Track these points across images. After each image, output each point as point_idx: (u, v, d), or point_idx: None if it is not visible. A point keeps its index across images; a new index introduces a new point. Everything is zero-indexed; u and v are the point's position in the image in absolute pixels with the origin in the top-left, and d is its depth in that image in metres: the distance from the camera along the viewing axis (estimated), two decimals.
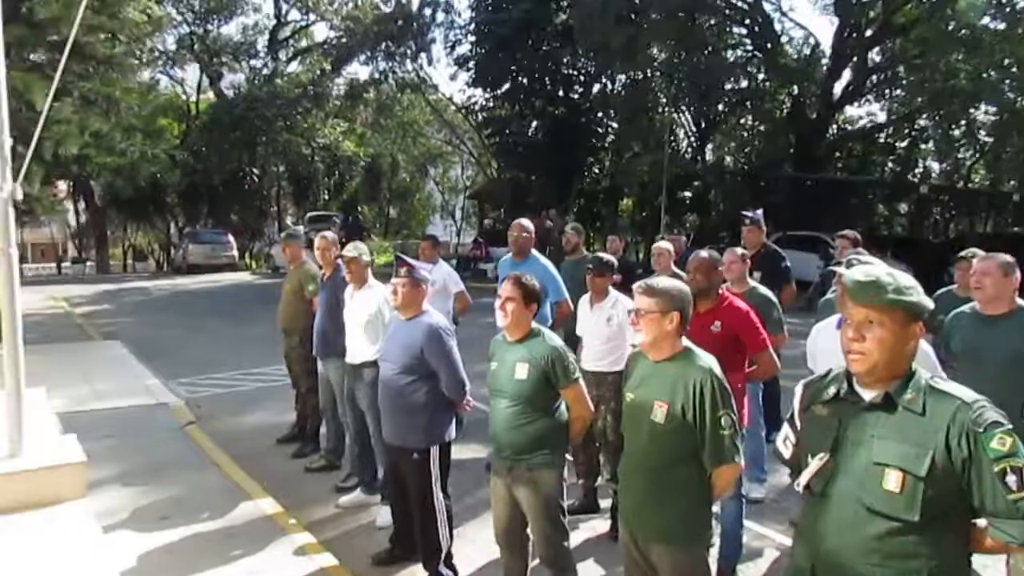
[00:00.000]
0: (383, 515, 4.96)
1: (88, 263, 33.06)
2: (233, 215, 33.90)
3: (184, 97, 35.11)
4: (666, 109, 25.78)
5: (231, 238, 28.83)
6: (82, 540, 3.84)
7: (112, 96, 11.87)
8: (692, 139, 28.84)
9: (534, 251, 6.17)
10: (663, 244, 6.67)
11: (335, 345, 5.53)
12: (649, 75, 25.56)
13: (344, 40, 29.55)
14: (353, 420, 5.49)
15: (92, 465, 5.93)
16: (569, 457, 3.91)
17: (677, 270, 6.17)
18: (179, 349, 11.59)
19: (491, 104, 28.40)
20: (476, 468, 5.69)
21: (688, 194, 27.76)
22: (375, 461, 5.36)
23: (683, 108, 26.90)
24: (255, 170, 34.47)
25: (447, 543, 4.16)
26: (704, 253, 4.18)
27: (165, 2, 28.30)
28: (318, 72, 31.30)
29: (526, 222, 6.19)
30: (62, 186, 27.02)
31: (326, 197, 35.76)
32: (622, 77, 26.60)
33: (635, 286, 2.91)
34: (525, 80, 26.65)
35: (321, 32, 35.33)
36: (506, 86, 27.03)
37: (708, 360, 2.82)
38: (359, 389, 5.22)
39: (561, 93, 27.29)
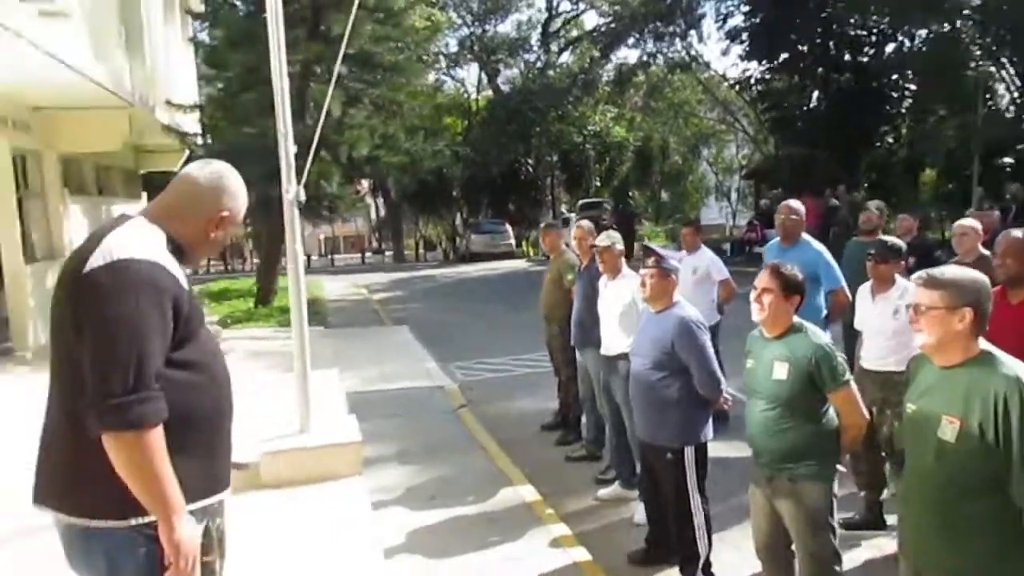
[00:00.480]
0: (640, 512, 4.78)
1: (386, 253, 36.79)
2: (510, 205, 35.64)
3: (465, 95, 37.54)
4: (980, 63, 22.34)
5: (508, 227, 30.32)
6: (353, 516, 4.15)
7: (397, 100, 12.96)
8: (1015, 95, 24.74)
9: (805, 235, 5.58)
10: (967, 222, 5.68)
11: (592, 335, 5.45)
12: (958, 25, 22.32)
13: (612, 25, 29.57)
14: (610, 412, 5.38)
15: (375, 443, 6.48)
16: (842, 468, 3.43)
17: (985, 252, 5.22)
18: (457, 334, 12.35)
19: (767, 77, 26.71)
20: (742, 467, 5.28)
21: (1009, 160, 23.87)
22: (633, 456, 5.21)
23: (1003, 60, 23.13)
24: (530, 160, 35.90)
25: (705, 549, 3.90)
26: (1018, 233, 3.44)
27: (446, 7, 30.47)
28: (588, 60, 31.72)
29: (795, 203, 5.63)
30: (364, 185, 30.23)
31: (597, 184, 36.22)
32: (923, 32, 23.53)
33: (914, 277, 2.41)
34: (805, 47, 24.65)
35: (591, 20, 35.72)
36: (783, 56, 25.22)
37: (1016, 367, 2.25)
38: (614, 381, 5.09)
39: (847, 57, 24.85)
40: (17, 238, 9.77)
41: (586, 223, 6.08)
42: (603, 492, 5.40)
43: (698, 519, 3.88)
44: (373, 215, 40.37)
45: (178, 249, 2.02)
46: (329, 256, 40.29)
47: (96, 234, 1.92)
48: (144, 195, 17.23)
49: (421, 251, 39.60)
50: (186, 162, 14.83)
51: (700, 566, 3.91)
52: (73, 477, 1.83)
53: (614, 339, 4.98)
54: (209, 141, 13.02)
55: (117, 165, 14.81)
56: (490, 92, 36.83)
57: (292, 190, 4.68)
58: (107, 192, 14.66)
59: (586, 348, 5.73)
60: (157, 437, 1.79)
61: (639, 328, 4.21)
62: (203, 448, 1.99)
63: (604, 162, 36.27)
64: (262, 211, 11.85)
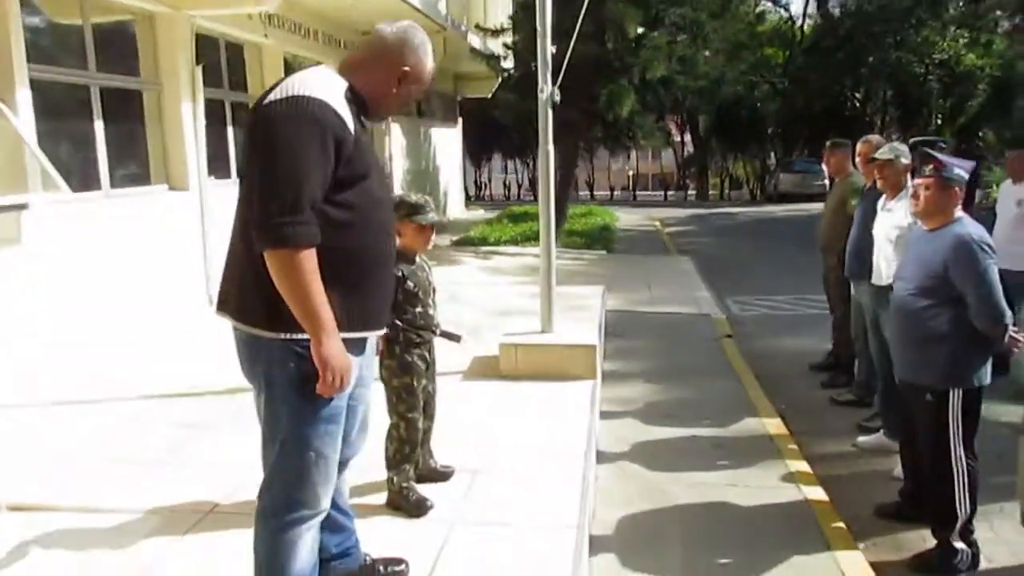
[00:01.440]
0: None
1: (689, 191, 35.95)
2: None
3: (789, 23, 34.74)
4: None
5: (824, 167, 27.85)
6: (576, 415, 4.16)
7: (699, 21, 12.34)
8: None
9: None
10: None
11: (867, 266, 4.83)
12: None
13: None
14: (877, 351, 4.75)
15: (625, 358, 6.47)
16: None
17: None
18: (742, 270, 11.74)
19: None
20: None
21: None
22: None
23: None
24: (857, 94, 32.42)
25: (966, 512, 3.32)
26: None
27: None
28: None
29: None
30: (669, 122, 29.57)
31: (939, 121, 31.69)
32: None
33: None
34: None
35: None
36: None
37: None
38: (883, 316, 4.46)
39: None
40: None
41: (875, 137, 5.33)
42: (863, 439, 4.83)
43: (959, 476, 3.30)
44: (679, 153, 39.62)
45: (360, 101, 2.11)
46: (631, 192, 40.53)
47: (286, 77, 2.07)
48: (460, 120, 18.59)
49: (726, 190, 38.12)
50: (498, 89, 15.65)
51: (957, 530, 3.34)
52: (244, 288, 2.03)
53: (887, 266, 4.35)
54: (512, 64, 13.56)
55: (436, 90, 16.08)
56: (818, 19, 33.65)
57: (547, 90, 4.68)
58: (427, 115, 16.07)
59: (861, 280, 5.08)
60: (309, 258, 1.91)
61: (907, 247, 3.61)
62: (351, 286, 2.07)
63: (951, 96, 31.55)
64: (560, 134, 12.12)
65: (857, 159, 5.32)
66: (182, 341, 5.94)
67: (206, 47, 8.08)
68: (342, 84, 2.08)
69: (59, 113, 6.03)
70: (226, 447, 3.81)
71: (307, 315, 1.93)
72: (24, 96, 5.26)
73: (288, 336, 1.97)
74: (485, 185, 31.01)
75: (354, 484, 3.27)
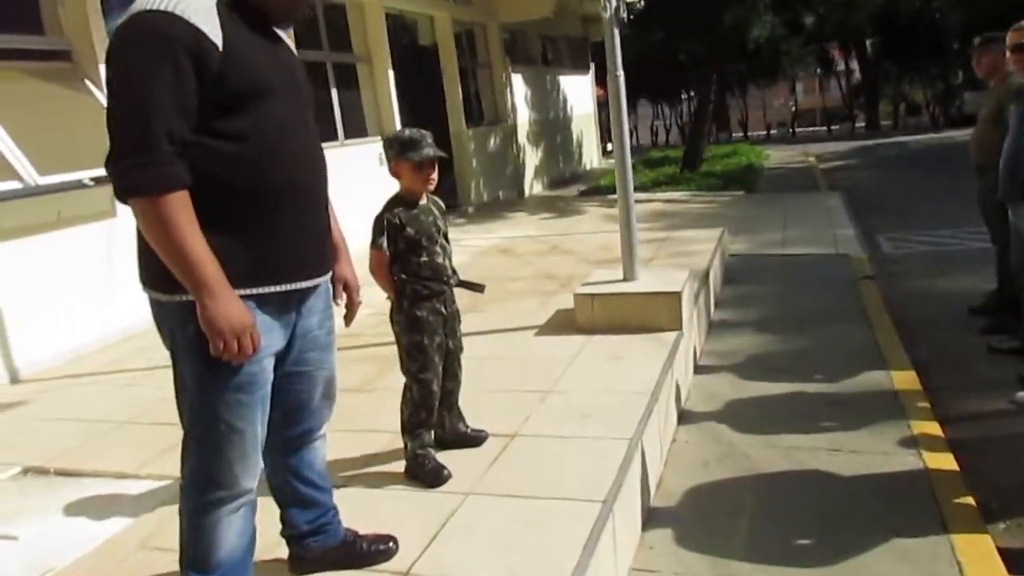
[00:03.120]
0: None
1: (857, 123, 32.84)
2: None
3: None
4: None
5: (977, 69, 24.35)
6: (644, 371, 3.68)
7: None
8: None
9: None
10: None
11: None
12: None
13: None
14: None
15: (737, 307, 5.82)
16: None
17: None
18: (903, 204, 10.43)
19: None
20: None
21: None
22: None
23: None
24: None
25: None
26: None
27: None
28: None
29: None
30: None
31: None
32: None
33: None
34: None
35: None
36: None
37: None
38: None
39: None
40: (459, 103, 10.87)
41: None
42: (1023, 395, 4.00)
43: None
44: (846, 82, 36.27)
45: (245, 4, 1.77)
46: (791, 129, 37.69)
47: None
48: (592, 66, 17.85)
49: (901, 117, 34.56)
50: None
51: None
52: (138, 248, 1.77)
53: None
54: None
55: (564, 35, 15.46)
56: None
57: (610, 6, 4.13)
58: (554, 62, 15.52)
59: (1017, 203, 4.18)
60: (172, 205, 1.60)
61: None
62: (251, 230, 1.76)
63: None
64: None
65: (1008, 54, 4.34)
66: None
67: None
68: None
69: None
70: None
71: (181, 271, 1.63)
72: None
73: (183, 298, 1.68)
74: (630, 132, 29.92)
75: (377, 451, 3.03)
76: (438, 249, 2.79)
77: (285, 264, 1.83)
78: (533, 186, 13.41)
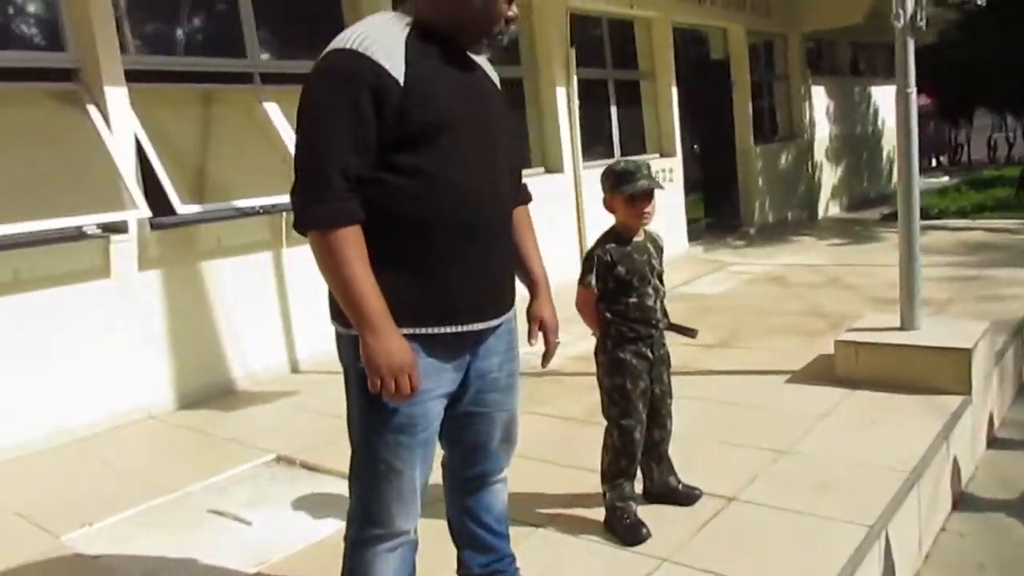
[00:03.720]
0: None
1: None
2: None
3: None
4: None
5: None
6: (913, 440, 3.11)
7: None
8: None
9: None
10: None
11: None
12: None
13: None
14: None
15: None
16: None
17: None
18: None
19: None
20: None
21: None
22: None
23: None
24: None
25: None
26: None
27: None
28: None
29: None
30: None
31: None
32: None
33: None
34: None
35: None
36: None
37: None
38: None
39: None
40: (749, 119, 10.31)
41: None
42: None
43: None
44: None
45: (431, 33, 1.74)
46: None
47: None
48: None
49: None
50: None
51: None
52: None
53: None
54: None
55: (880, 41, 14.00)
56: None
57: (904, 13, 3.56)
58: (865, 72, 14.13)
59: None
60: (343, 240, 1.62)
61: None
62: (426, 267, 1.72)
63: None
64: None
65: None
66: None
67: (586, 27, 8.16)
68: (399, 22, 1.73)
69: None
70: None
71: (345, 304, 1.65)
72: None
73: (354, 332, 1.71)
74: (960, 148, 26.00)
75: (585, 491, 2.89)
76: (649, 290, 2.59)
77: (457, 305, 1.78)
78: (828, 207, 12.32)
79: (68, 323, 4.06)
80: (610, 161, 2.68)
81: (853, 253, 8.25)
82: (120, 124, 4.31)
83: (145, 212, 4.21)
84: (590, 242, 8.20)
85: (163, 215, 4.35)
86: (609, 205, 2.61)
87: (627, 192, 2.51)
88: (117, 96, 4.30)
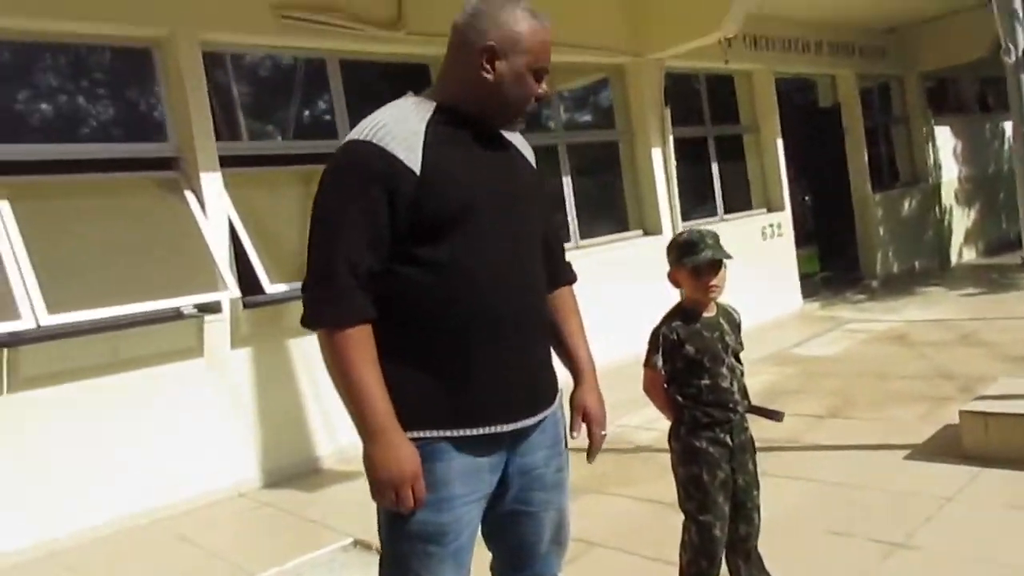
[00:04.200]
0: None
1: None
2: None
3: None
4: None
5: None
6: None
7: None
8: None
9: None
10: None
11: None
12: None
13: None
14: None
15: None
16: None
17: None
18: None
19: None
20: None
21: None
22: None
23: None
24: None
25: None
26: None
27: None
28: None
29: None
30: None
31: None
32: None
33: None
34: None
35: None
36: None
37: None
38: None
39: None
40: (865, 166, 9.75)
41: None
42: None
43: None
44: None
45: (456, 115, 1.66)
46: None
47: None
48: None
49: None
50: None
51: None
52: None
53: None
54: None
55: (990, 74, 13.08)
56: None
57: (1015, 48, 3.22)
58: (996, 107, 13.16)
59: None
60: (345, 341, 1.53)
61: None
62: (449, 366, 1.60)
63: None
64: None
65: None
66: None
67: (682, 84, 8.00)
68: (422, 107, 1.67)
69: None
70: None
71: (347, 408, 1.56)
72: None
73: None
74: None
75: None
76: (724, 371, 2.36)
77: (485, 405, 1.64)
78: (962, 253, 11.38)
79: (162, 401, 4.20)
80: (691, 225, 2.49)
81: (989, 305, 7.51)
82: (214, 208, 4.50)
83: (235, 293, 4.35)
84: None
85: (253, 295, 4.47)
86: (674, 279, 2.43)
87: (691, 264, 2.32)
88: (212, 181, 4.51)
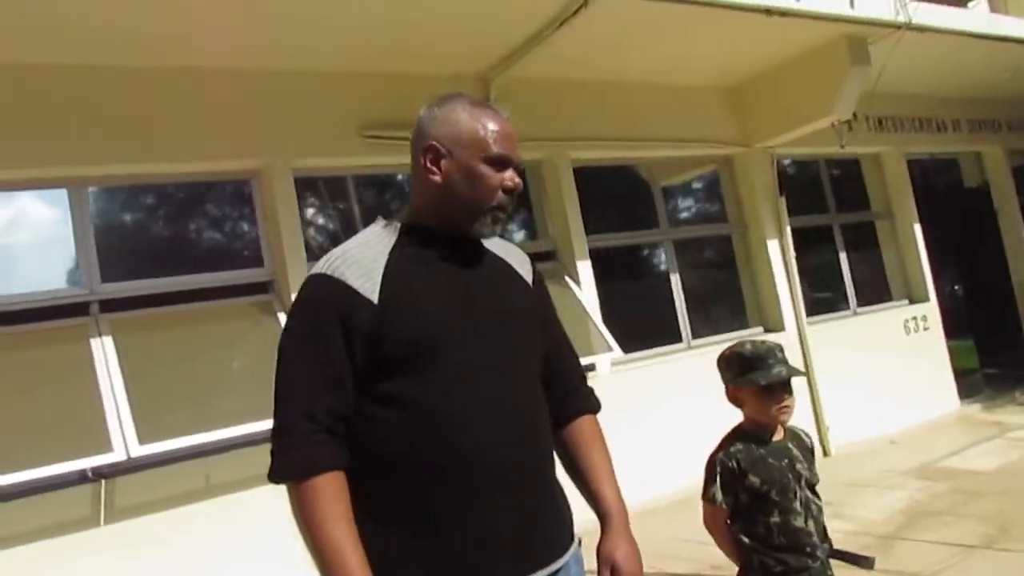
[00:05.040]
0: None
1: None
2: None
3: None
4: None
5: None
6: None
7: None
8: None
9: None
10: None
11: None
12: None
13: None
14: None
15: None
16: None
17: None
18: None
19: None
20: None
21: None
22: None
23: None
24: None
25: None
26: None
27: None
28: None
29: None
30: None
31: None
32: None
33: None
34: None
35: None
36: None
37: None
38: None
39: None
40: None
41: None
42: None
43: None
44: None
45: (422, 230, 1.54)
46: None
47: None
48: None
49: None
50: None
51: None
52: None
53: None
54: None
55: None
56: None
57: None
58: None
59: None
60: (307, 493, 1.37)
61: None
62: (421, 518, 1.41)
63: None
64: None
65: None
66: None
67: (802, 171, 7.58)
68: (387, 230, 1.55)
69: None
70: None
71: (316, 565, 1.38)
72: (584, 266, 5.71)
73: None
74: None
75: None
76: (797, 506, 1.99)
77: (458, 565, 1.42)
78: None
79: (266, 526, 4.15)
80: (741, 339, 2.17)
81: None
82: None
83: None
84: (826, 412, 7.13)
85: None
86: (734, 397, 2.11)
87: (760, 381, 2.00)
88: None
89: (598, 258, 5.82)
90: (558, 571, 1.54)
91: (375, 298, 1.43)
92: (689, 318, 6.40)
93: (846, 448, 6.42)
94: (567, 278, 5.61)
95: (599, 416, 1.73)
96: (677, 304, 6.39)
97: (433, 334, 1.45)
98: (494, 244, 1.66)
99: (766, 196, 6.77)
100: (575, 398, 1.71)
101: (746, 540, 2.00)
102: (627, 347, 5.54)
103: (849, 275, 7.48)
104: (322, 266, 1.49)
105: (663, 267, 6.47)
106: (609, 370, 5.59)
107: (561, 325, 1.77)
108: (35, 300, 4.10)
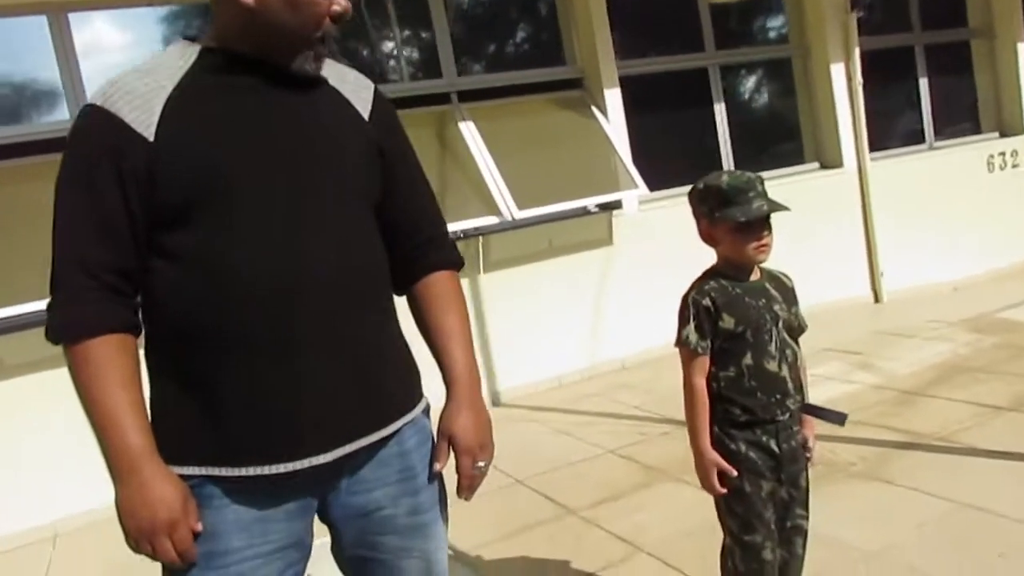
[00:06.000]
0: None
1: None
2: None
3: None
4: None
5: None
6: None
7: None
8: None
9: None
10: None
11: None
12: None
13: None
14: None
15: None
16: None
17: None
18: None
19: None
20: None
21: None
22: None
23: None
24: None
25: None
26: None
27: None
28: None
29: None
30: None
31: None
32: None
33: None
34: None
35: None
36: None
37: None
38: None
39: None
40: None
41: None
42: None
43: None
44: None
45: (235, 60, 1.26)
46: None
47: None
48: None
49: None
50: None
51: None
52: None
53: None
54: None
55: None
56: None
57: None
58: None
59: None
60: (86, 356, 1.20)
61: None
62: (202, 385, 1.24)
63: None
64: None
65: None
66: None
67: None
68: (182, 53, 1.27)
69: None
70: None
71: (97, 438, 1.21)
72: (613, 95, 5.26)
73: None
74: None
75: None
76: (772, 349, 1.76)
77: (250, 437, 1.24)
78: None
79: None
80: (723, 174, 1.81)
81: None
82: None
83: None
84: (882, 255, 6.66)
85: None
86: (708, 235, 1.81)
87: (736, 217, 1.72)
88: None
89: (630, 85, 5.31)
90: (389, 439, 1.36)
91: (150, 134, 1.18)
92: (734, 154, 5.87)
93: (901, 295, 5.98)
94: (593, 108, 5.17)
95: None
96: (720, 138, 5.83)
97: (219, 175, 1.21)
98: (327, 68, 1.36)
99: (835, 12, 5.94)
100: (429, 251, 1.46)
101: (714, 385, 1.77)
102: (660, 184, 5.16)
103: (929, 105, 6.65)
104: (96, 96, 1.23)
105: (707, 96, 5.85)
106: (636, 208, 5.24)
107: (419, 166, 1.49)
108: None
